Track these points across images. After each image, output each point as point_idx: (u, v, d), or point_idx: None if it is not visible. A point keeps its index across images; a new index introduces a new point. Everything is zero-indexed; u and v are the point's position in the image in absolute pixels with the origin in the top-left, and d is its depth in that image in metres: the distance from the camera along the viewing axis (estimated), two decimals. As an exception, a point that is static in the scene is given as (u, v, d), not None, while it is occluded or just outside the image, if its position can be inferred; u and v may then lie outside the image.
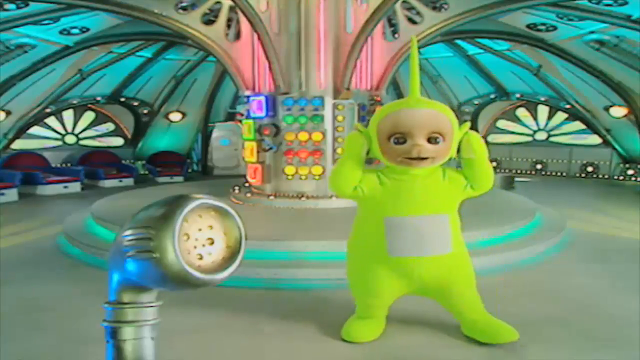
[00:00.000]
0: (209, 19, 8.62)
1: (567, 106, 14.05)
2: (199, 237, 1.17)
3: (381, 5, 7.29)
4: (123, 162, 14.87)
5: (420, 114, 3.21)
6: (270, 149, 7.87)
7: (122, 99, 14.85)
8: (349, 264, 3.67)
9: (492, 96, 15.31)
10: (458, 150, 3.37)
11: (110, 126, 15.60)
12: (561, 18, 10.24)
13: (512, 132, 15.60)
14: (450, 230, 3.35)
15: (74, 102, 13.98)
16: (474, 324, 3.54)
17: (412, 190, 3.31)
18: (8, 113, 12.32)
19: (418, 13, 8.56)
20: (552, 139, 15.15)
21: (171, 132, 16.23)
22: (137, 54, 13.03)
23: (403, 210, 3.29)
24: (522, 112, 15.56)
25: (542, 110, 15.15)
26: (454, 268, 3.43)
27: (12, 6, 8.57)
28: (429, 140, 3.19)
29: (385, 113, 3.32)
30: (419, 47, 8.84)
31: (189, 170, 15.90)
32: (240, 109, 8.64)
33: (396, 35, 9.02)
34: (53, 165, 13.63)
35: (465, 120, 3.33)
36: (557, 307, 4.26)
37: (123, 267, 1.15)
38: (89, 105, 14.72)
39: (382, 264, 3.39)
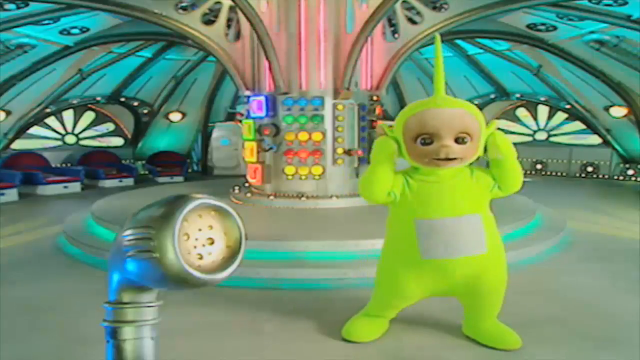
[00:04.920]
0: (209, 19, 8.62)
1: (567, 106, 14.05)
2: (199, 237, 1.17)
3: (381, 5, 7.29)
4: (123, 162, 14.88)
5: (447, 113, 3.11)
6: (270, 149, 7.87)
7: (122, 99, 14.84)
8: (380, 263, 3.58)
9: (492, 96, 15.31)
10: (485, 149, 3.26)
11: (110, 126, 15.62)
12: (561, 18, 10.25)
13: (512, 132, 15.60)
14: (484, 230, 3.23)
15: (74, 102, 13.98)
16: (479, 325, 3.50)
17: (440, 191, 3.21)
18: (8, 113, 12.32)
19: (418, 13, 8.56)
20: (552, 139, 15.16)
21: (171, 132, 16.23)
22: (137, 54, 13.02)
23: (433, 212, 3.18)
24: (522, 112, 15.57)
25: (542, 110, 15.16)
26: (490, 269, 3.30)
27: (12, 6, 8.57)
28: (457, 140, 3.10)
29: (411, 113, 3.22)
30: (419, 47, 8.87)
31: (189, 170, 15.91)
32: (240, 109, 8.66)
33: (396, 36, 9.02)
34: (53, 165, 13.65)
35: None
36: (557, 307, 4.27)
37: (123, 267, 1.15)
38: (89, 105, 14.73)
39: (414, 265, 3.27)
